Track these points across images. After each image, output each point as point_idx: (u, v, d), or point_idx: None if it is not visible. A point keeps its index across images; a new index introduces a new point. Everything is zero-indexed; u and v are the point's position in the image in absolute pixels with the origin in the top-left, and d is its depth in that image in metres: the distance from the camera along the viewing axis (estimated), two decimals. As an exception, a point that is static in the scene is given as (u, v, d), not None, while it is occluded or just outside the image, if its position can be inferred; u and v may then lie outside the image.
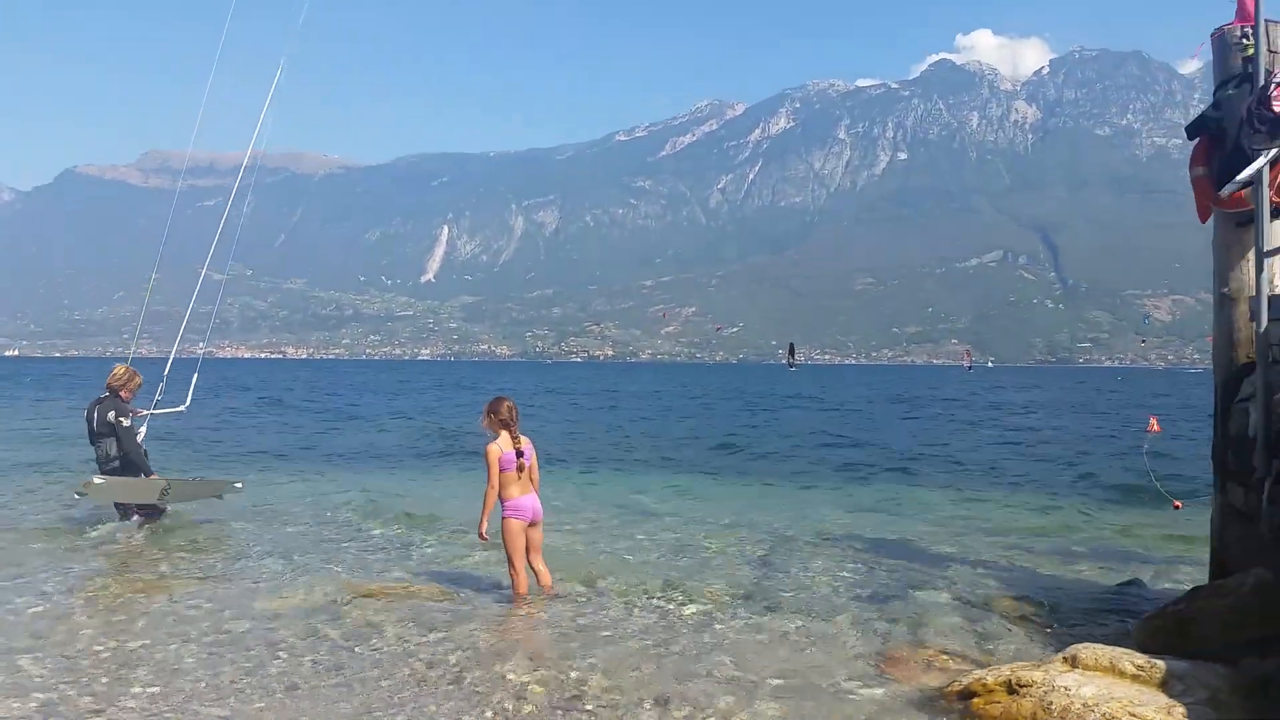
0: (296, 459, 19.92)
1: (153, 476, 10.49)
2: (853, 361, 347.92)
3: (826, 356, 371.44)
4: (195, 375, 11.85)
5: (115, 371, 10.58)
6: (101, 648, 6.20)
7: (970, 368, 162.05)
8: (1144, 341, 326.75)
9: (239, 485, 11.90)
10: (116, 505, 10.52)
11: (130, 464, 10.30)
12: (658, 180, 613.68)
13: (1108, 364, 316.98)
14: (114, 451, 10.21)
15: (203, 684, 5.48)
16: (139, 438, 10.54)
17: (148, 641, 6.34)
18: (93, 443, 10.37)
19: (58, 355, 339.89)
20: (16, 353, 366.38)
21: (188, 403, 11.61)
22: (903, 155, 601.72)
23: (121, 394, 10.37)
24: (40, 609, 7.22)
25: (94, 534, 10.25)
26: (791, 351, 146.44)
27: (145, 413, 11.14)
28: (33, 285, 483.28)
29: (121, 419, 10.22)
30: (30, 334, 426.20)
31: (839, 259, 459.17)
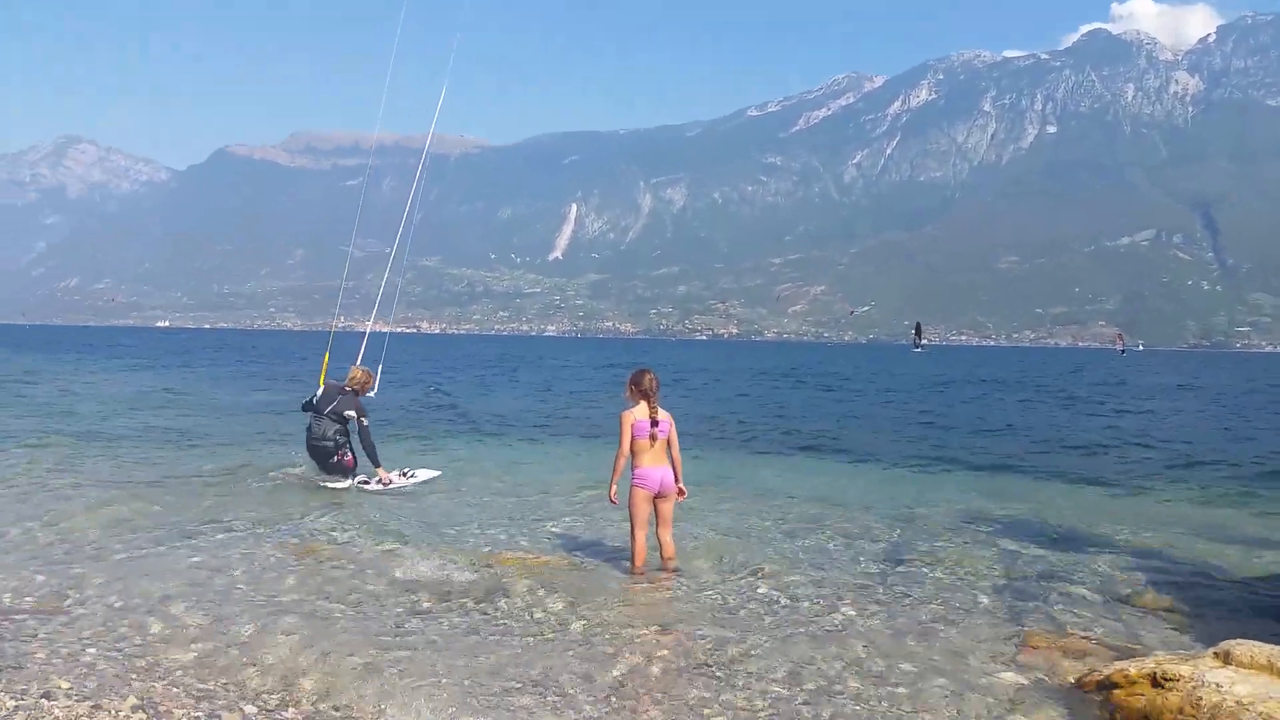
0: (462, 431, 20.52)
1: (379, 469, 11.64)
2: (992, 343, 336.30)
3: (964, 337, 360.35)
4: (380, 367, 12.50)
5: (354, 375, 11.80)
6: (253, 600, 6.57)
7: (1124, 350, 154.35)
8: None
9: (437, 474, 12.74)
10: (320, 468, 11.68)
11: (364, 449, 11.46)
12: (790, 156, 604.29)
13: (1269, 349, 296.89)
14: (331, 434, 11.38)
15: (347, 634, 5.78)
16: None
17: (296, 598, 6.69)
18: (315, 416, 11.50)
19: (206, 326, 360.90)
20: (167, 324, 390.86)
21: (374, 389, 12.21)
22: (1052, 129, 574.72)
23: (361, 391, 11.68)
24: (198, 559, 7.71)
25: (257, 492, 10.90)
26: (918, 331, 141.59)
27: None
28: (186, 260, 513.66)
29: (362, 418, 11.46)
30: (182, 306, 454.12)
31: (980, 236, 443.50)
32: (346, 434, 11.54)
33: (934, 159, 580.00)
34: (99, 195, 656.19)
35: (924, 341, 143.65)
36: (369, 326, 13.85)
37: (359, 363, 12.27)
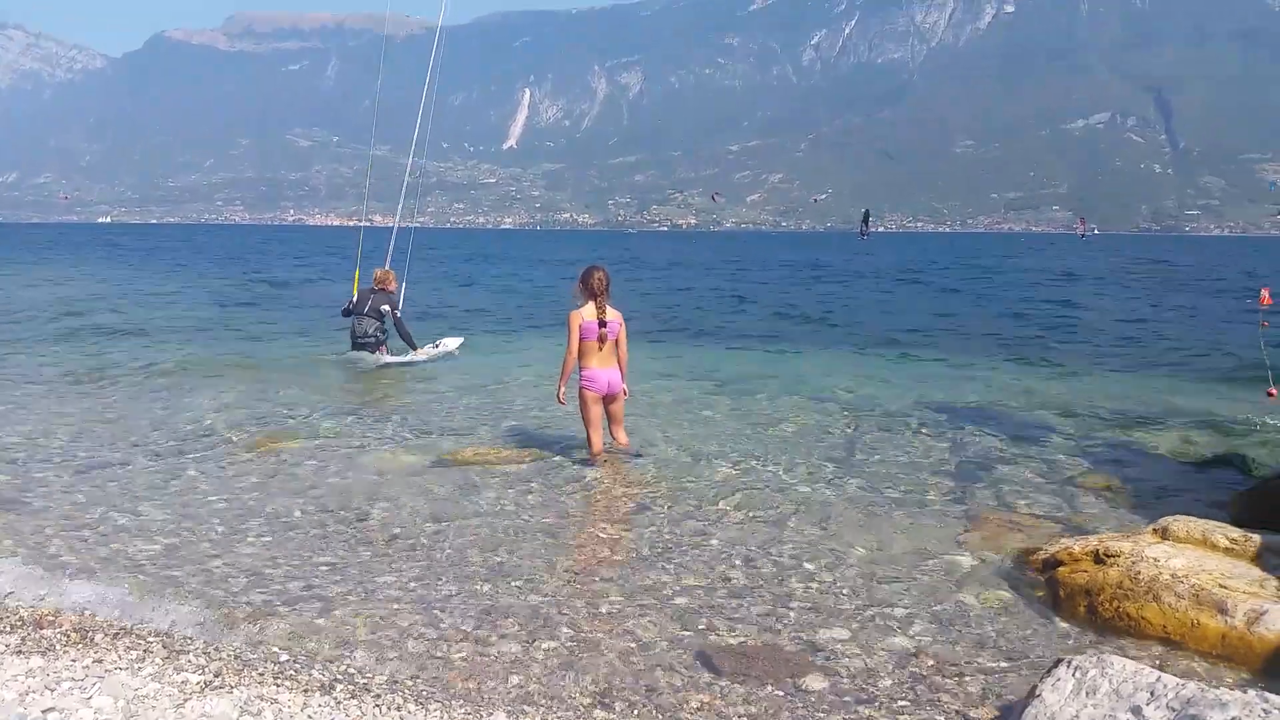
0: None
1: (415, 346, 13.56)
2: (948, 229, 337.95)
3: (919, 224, 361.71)
4: (405, 278, 14.03)
5: (377, 275, 13.35)
6: (217, 499, 6.63)
7: (1084, 236, 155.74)
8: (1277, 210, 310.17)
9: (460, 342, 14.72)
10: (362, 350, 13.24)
11: (402, 338, 13.34)
12: (748, 37, 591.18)
13: (1217, 232, 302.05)
14: (372, 331, 13.14)
15: (311, 533, 5.87)
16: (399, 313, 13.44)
17: (260, 495, 6.75)
18: (356, 318, 13.24)
19: (154, 221, 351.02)
20: (110, 219, 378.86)
21: (400, 307, 13.58)
22: (1009, 8, 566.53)
23: (387, 289, 13.30)
24: (154, 457, 7.70)
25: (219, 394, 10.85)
26: (866, 219, 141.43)
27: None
28: (127, 152, 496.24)
29: (395, 310, 13.29)
30: (128, 200, 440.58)
31: (938, 121, 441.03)
32: (384, 329, 13.27)
33: (892, 40, 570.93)
34: (31, 84, 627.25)
35: (869, 231, 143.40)
36: (395, 222, 15.48)
37: (387, 264, 13.99)
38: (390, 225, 16.16)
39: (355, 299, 13.28)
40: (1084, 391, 12.01)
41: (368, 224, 18.51)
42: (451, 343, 14.42)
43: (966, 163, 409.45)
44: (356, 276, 13.78)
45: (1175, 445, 8.81)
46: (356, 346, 13.26)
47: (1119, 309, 25.62)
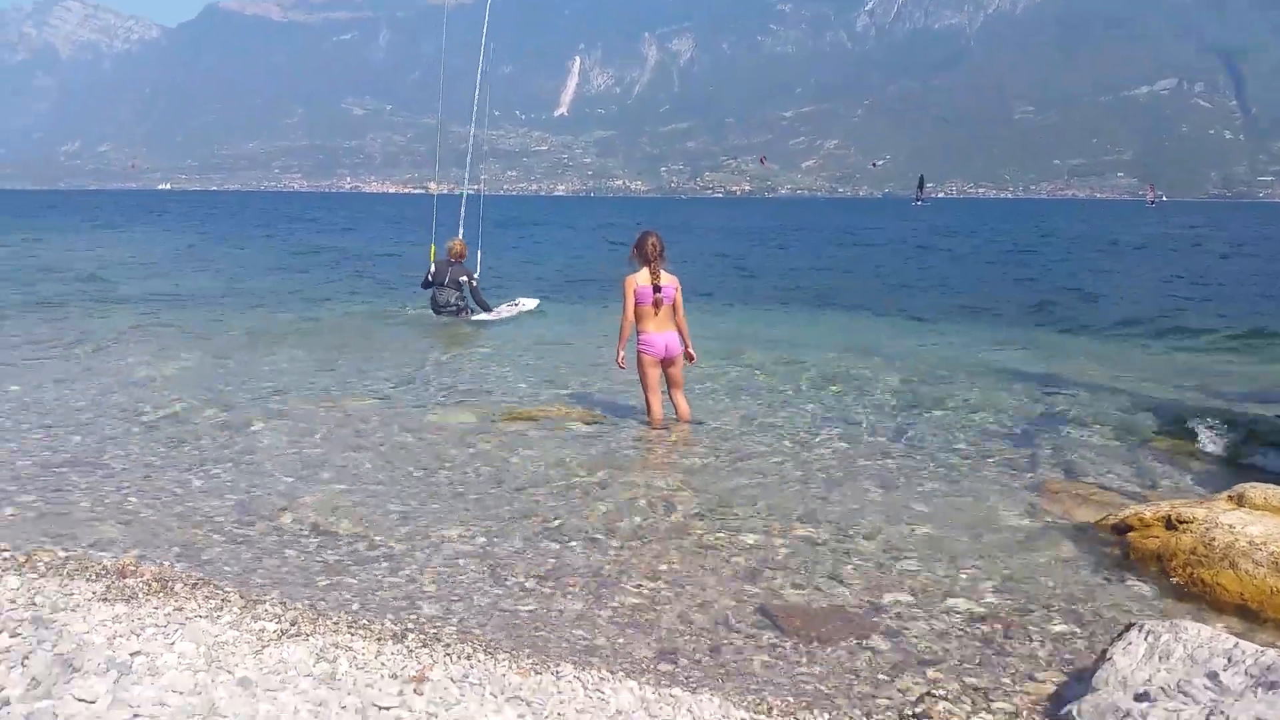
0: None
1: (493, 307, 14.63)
2: (1010, 195, 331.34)
3: (981, 190, 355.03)
4: (479, 255, 15.02)
5: (453, 247, 14.06)
6: (285, 456, 6.77)
7: (1153, 202, 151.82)
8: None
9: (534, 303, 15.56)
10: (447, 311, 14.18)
11: (479, 306, 14.34)
12: (800, 3, 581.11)
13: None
14: (453, 300, 14.04)
15: (379, 488, 5.97)
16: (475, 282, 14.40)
17: (326, 451, 6.88)
18: (437, 288, 14.10)
19: (214, 189, 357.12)
20: (169, 186, 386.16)
21: (478, 274, 14.57)
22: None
23: (462, 259, 14.09)
24: (224, 418, 7.86)
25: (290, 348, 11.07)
26: (921, 185, 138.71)
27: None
28: (185, 122, 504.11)
29: (472, 280, 14.22)
30: (187, 169, 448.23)
31: (996, 87, 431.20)
32: (464, 297, 14.15)
33: (948, 6, 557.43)
34: (90, 55, 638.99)
35: (925, 196, 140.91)
36: (464, 189, 15.74)
37: (460, 234, 14.77)
38: (455, 193, 16.55)
39: (434, 270, 14.00)
40: (1150, 359, 11.74)
41: (440, 191, 18.90)
42: (529, 303, 15.27)
43: (1027, 129, 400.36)
44: (432, 250, 14.22)
45: (1253, 409, 8.58)
46: (439, 314, 14.21)
47: (1189, 274, 24.96)
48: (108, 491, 5.77)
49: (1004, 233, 55.59)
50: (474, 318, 14.10)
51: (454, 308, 13.97)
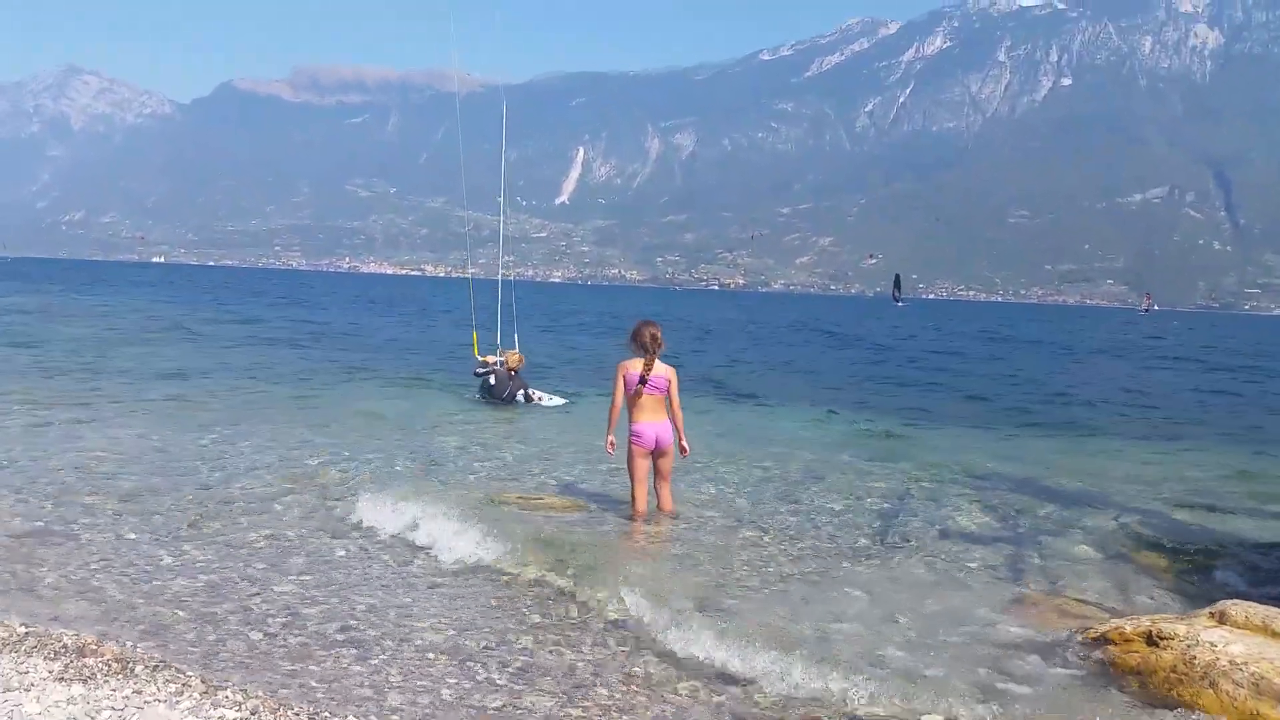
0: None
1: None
2: (1000, 299, 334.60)
3: (972, 292, 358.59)
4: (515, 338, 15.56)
5: (510, 359, 14.77)
6: (259, 536, 6.70)
7: (1147, 311, 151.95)
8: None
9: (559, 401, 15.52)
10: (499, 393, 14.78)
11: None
12: (801, 103, 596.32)
13: (1278, 312, 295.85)
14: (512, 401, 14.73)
15: (353, 574, 5.94)
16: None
17: (302, 533, 6.84)
18: (496, 399, 14.55)
19: (211, 264, 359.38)
20: (162, 259, 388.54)
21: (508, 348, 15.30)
22: (1067, 81, 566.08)
23: (519, 370, 14.71)
24: (200, 494, 7.77)
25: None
26: (898, 284, 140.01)
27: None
28: (192, 195, 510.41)
29: (529, 393, 14.78)
30: (188, 243, 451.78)
31: (992, 189, 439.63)
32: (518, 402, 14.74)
33: (947, 109, 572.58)
34: (103, 127, 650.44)
35: (903, 295, 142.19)
36: (499, 275, 16.71)
37: (499, 321, 15.51)
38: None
39: (494, 383, 14.59)
40: (1129, 465, 11.71)
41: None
42: (556, 400, 15.51)
43: (1020, 233, 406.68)
44: (474, 338, 15.15)
45: (1234, 525, 8.51)
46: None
47: (1172, 384, 25.08)
48: (75, 565, 5.70)
49: (957, 333, 56.06)
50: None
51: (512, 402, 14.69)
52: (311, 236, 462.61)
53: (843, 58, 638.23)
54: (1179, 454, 13.03)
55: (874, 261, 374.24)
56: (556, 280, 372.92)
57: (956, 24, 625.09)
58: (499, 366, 14.68)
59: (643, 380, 7.35)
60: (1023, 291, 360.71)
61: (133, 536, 6.44)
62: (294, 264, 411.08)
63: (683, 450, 7.61)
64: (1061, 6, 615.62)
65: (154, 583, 5.48)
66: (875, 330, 54.48)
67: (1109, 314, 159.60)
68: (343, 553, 6.42)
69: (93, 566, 5.72)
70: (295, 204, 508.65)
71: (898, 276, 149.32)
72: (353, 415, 12.89)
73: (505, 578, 5.98)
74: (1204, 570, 6.96)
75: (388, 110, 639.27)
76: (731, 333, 45.30)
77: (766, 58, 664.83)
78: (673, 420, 7.49)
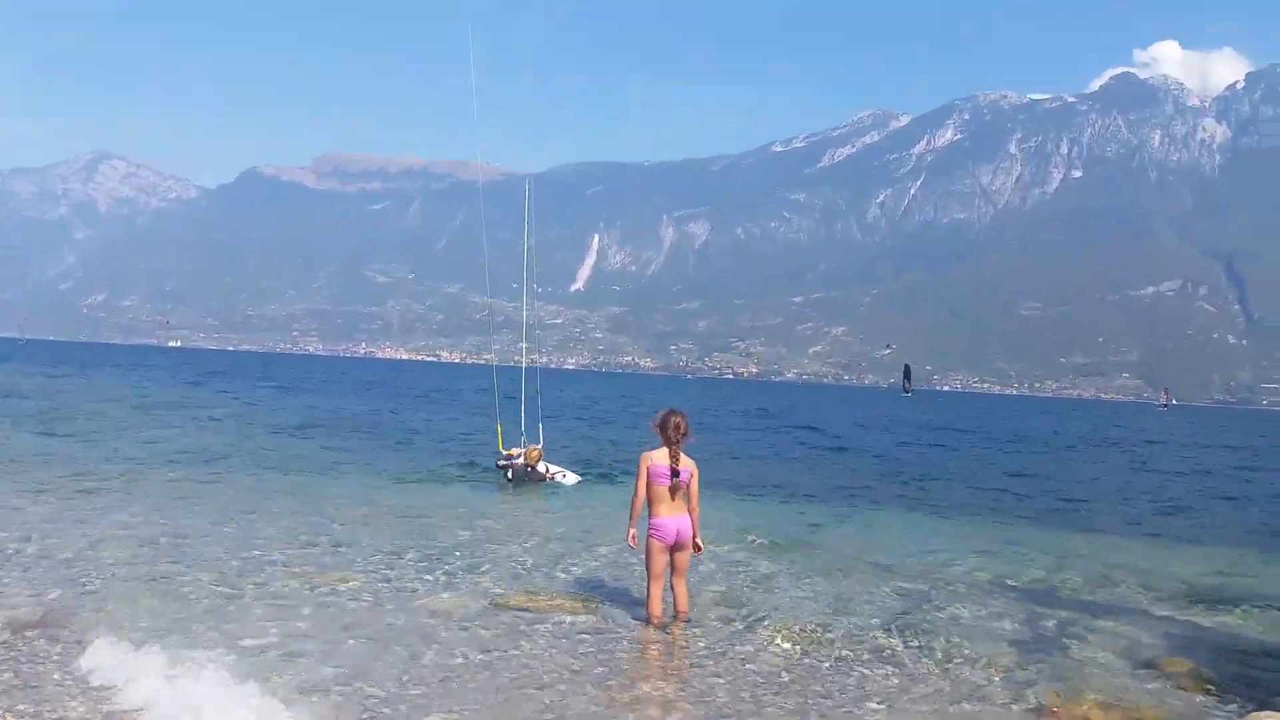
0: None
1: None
2: (1014, 391, 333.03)
3: (986, 384, 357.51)
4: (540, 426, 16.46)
5: (530, 454, 15.59)
6: (272, 628, 6.67)
7: (1165, 405, 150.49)
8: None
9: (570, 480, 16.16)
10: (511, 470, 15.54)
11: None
12: (813, 193, 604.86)
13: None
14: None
15: (363, 668, 5.86)
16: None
17: (313, 625, 6.83)
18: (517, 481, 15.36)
19: (229, 348, 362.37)
20: (178, 343, 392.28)
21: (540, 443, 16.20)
22: (1077, 173, 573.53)
23: (537, 463, 15.58)
24: (212, 585, 7.71)
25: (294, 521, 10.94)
26: (907, 374, 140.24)
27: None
28: (214, 279, 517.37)
29: (547, 472, 15.69)
30: (207, 327, 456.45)
31: (1004, 281, 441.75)
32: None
33: (958, 200, 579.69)
34: (128, 210, 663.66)
35: (911, 387, 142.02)
36: (523, 362, 18.68)
37: (521, 406, 16.52)
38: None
39: (512, 476, 15.36)
40: (1159, 566, 11.50)
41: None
42: (571, 477, 16.21)
43: (1033, 325, 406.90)
44: (499, 429, 15.86)
45: (1263, 629, 8.31)
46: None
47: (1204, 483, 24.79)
48: (78, 658, 5.60)
49: (980, 429, 55.75)
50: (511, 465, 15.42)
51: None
52: (329, 321, 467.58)
53: (854, 149, 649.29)
54: (1201, 555, 12.81)
55: (888, 352, 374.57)
56: (570, 367, 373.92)
57: (967, 116, 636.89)
58: (519, 461, 15.25)
59: (675, 473, 7.16)
60: (1037, 384, 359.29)
61: (147, 624, 6.32)
62: (311, 348, 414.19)
63: (697, 547, 7.46)
64: (1071, 100, 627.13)
65: (164, 675, 5.32)
66: (836, 420, 54.19)
67: (1125, 409, 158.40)
68: (352, 643, 6.33)
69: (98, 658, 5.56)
70: (314, 289, 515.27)
71: (907, 367, 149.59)
72: (366, 507, 12.84)
73: (511, 683, 5.85)
74: (1232, 675, 6.82)
75: (409, 197, 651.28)
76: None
77: (779, 149, 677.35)
78: (691, 514, 7.32)
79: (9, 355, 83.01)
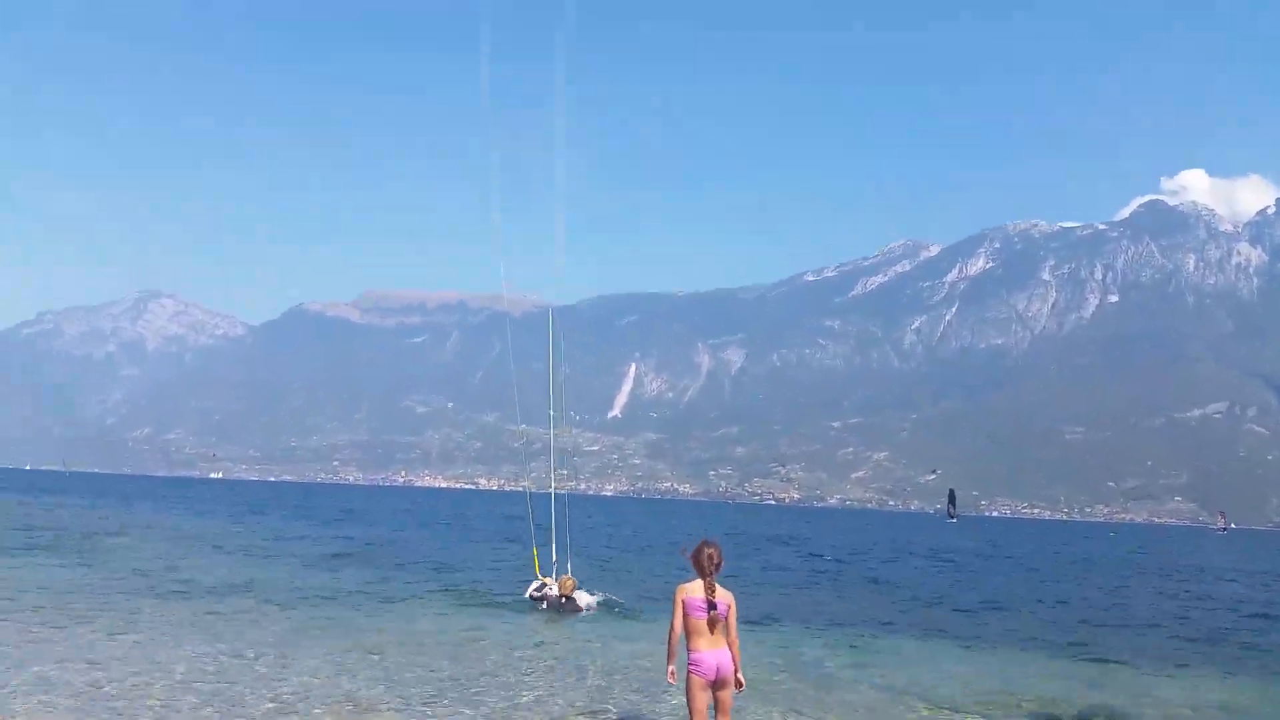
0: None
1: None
2: (1064, 517, 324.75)
3: (1035, 510, 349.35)
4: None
5: (565, 583, 16.03)
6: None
7: (1224, 530, 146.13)
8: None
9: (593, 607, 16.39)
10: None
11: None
12: (847, 321, 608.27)
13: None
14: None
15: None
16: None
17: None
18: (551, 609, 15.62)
19: (271, 479, 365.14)
20: (221, 474, 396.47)
21: (569, 569, 16.96)
22: (1113, 298, 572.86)
23: (572, 593, 15.96)
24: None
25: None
26: (952, 500, 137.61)
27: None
28: (258, 413, 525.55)
29: (578, 601, 15.95)
30: (249, 458, 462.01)
31: (1045, 406, 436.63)
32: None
33: (994, 327, 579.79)
34: (177, 348, 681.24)
35: (956, 512, 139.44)
36: (552, 489, 18.78)
37: (552, 532, 16.88)
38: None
39: (546, 605, 15.81)
40: (1244, 703, 10.95)
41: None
42: (592, 600, 16.54)
43: (1077, 450, 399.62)
44: (535, 554, 16.35)
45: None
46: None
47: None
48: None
49: (1021, 554, 54.17)
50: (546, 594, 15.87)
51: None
52: (370, 451, 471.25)
53: (886, 278, 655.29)
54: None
55: (932, 477, 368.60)
56: (609, 493, 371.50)
57: (998, 245, 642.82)
58: (553, 591, 15.50)
59: (712, 606, 6.98)
60: (1087, 509, 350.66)
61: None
62: (350, 478, 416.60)
63: (739, 684, 7.20)
64: (1102, 227, 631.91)
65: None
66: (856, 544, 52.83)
67: (1181, 532, 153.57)
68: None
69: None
70: (355, 420, 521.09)
71: (951, 492, 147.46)
72: (400, 639, 12.68)
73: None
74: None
75: (447, 330, 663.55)
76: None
77: (811, 279, 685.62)
78: (731, 647, 7.10)
79: (52, 487, 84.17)
